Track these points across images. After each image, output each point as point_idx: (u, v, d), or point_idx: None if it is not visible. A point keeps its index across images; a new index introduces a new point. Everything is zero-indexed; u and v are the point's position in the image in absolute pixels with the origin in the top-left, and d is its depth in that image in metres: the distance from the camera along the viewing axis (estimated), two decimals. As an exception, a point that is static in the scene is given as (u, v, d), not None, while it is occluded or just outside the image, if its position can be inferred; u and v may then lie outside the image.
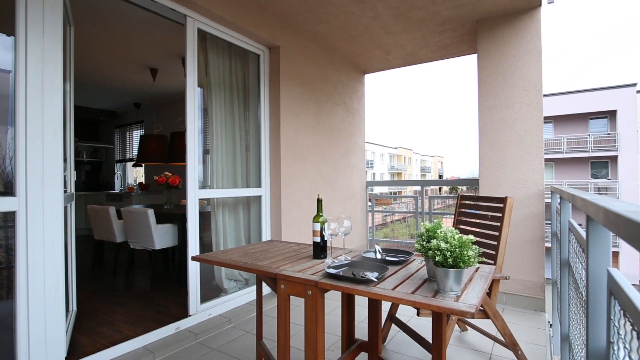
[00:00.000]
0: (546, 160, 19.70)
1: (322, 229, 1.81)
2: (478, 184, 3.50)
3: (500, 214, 2.25)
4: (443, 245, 1.24)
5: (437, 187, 40.30)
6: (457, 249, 1.22)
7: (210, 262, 1.79)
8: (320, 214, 1.84)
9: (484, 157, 3.46)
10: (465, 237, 1.26)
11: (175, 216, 3.90)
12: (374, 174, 42.57)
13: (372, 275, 1.43)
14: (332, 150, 4.32)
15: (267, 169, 3.45)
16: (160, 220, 3.82)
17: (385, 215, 23.18)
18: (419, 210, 4.69)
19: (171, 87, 5.89)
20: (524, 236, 3.25)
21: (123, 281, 3.83)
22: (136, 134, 7.94)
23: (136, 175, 9.25)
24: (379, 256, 1.85)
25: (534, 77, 3.21)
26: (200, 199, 2.77)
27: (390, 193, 37.82)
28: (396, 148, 44.77)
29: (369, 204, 5.29)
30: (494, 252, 2.21)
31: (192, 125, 2.66)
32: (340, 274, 1.50)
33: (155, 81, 5.37)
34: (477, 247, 1.26)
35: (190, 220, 2.68)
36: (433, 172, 49.12)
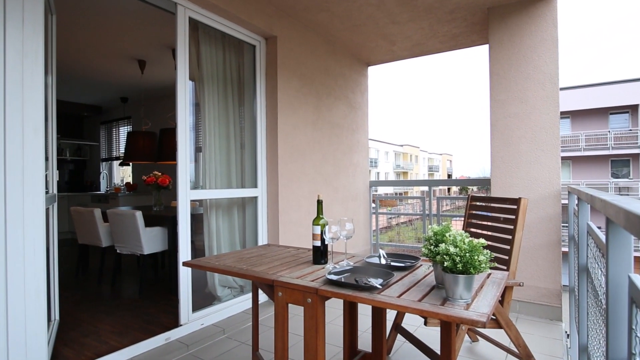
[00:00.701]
0: (563, 158, 19.70)
1: (322, 232, 1.81)
2: (489, 184, 3.50)
3: (513, 216, 2.24)
4: (452, 249, 1.23)
5: (446, 188, 40.32)
6: (467, 254, 1.21)
7: (202, 267, 1.79)
8: (321, 216, 1.84)
9: (496, 155, 3.46)
10: (476, 240, 1.26)
11: (165, 219, 3.90)
12: (378, 173, 42.59)
13: (376, 282, 1.42)
14: (333, 148, 4.32)
15: (263, 168, 3.45)
16: (149, 223, 3.82)
17: (390, 218, 23.20)
18: (427, 212, 4.69)
19: (161, 80, 5.89)
20: (539, 240, 3.25)
21: (109, 288, 3.83)
22: (123, 131, 7.95)
23: (123, 174, 9.26)
24: (383, 261, 1.85)
25: (550, 69, 3.21)
26: (192, 200, 2.77)
27: (396, 194, 37.88)
28: (402, 145, 44.82)
29: (373, 205, 5.29)
30: (506, 257, 2.21)
31: (183, 121, 2.66)
32: (342, 280, 1.49)
33: (143, 74, 5.37)
34: (489, 251, 1.26)
35: (181, 223, 2.68)
36: (441, 172, 49.18)
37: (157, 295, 3.64)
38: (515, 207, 2.27)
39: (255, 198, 3.42)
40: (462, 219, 2.76)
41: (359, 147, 4.90)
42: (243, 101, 3.44)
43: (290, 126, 3.60)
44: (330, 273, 1.57)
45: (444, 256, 1.26)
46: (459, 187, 39.16)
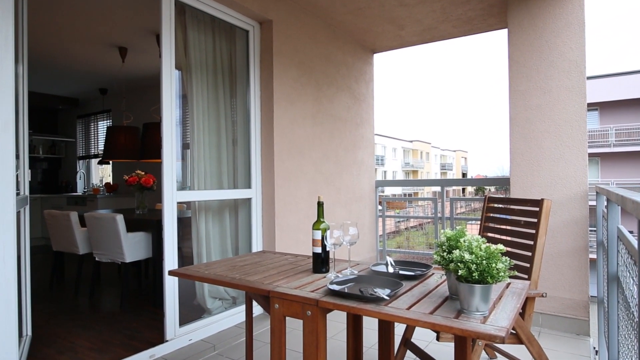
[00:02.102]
0: (590, 155, 19.69)
1: (323, 238, 1.81)
2: (509, 184, 3.49)
3: (535, 220, 2.25)
4: (467, 256, 1.24)
5: (460, 188, 40.32)
6: (484, 261, 1.22)
7: (190, 277, 1.79)
8: (322, 219, 1.84)
9: (516, 151, 3.45)
10: (493, 246, 1.26)
11: (149, 223, 3.90)
12: (384, 172, 42.62)
13: (383, 293, 1.43)
14: (335, 144, 4.32)
15: (258, 167, 3.45)
16: (131, 227, 3.83)
17: (399, 221, 23.12)
18: (439, 215, 4.70)
19: (144, 69, 5.90)
20: (563, 246, 3.25)
21: (87, 300, 3.83)
22: (102, 126, 7.96)
23: (102, 174, 9.27)
24: (391, 269, 1.85)
25: (576, 56, 3.21)
26: (178, 203, 2.77)
27: (405, 195, 37.88)
28: (411, 141, 44.85)
29: (379, 207, 5.29)
30: (528, 265, 2.22)
31: (169, 114, 2.66)
32: (346, 290, 1.50)
33: (124, 63, 5.38)
34: (508, 258, 1.26)
35: (167, 227, 2.68)
36: (455, 170, 49.18)
37: (140, 308, 3.64)
38: (537, 209, 2.27)
39: (249, 200, 3.43)
40: (478, 222, 2.77)
41: (363, 143, 4.91)
42: (235, 92, 3.44)
43: (288, 120, 3.60)
44: (332, 283, 1.58)
45: (458, 264, 1.26)
46: (474, 188, 39.17)
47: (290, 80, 3.63)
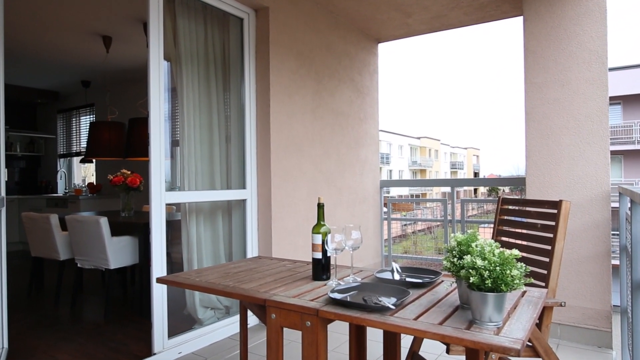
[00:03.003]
0: (613, 152, 19.68)
1: (324, 242, 1.82)
2: (524, 184, 3.50)
3: (553, 223, 2.25)
4: (479, 262, 1.24)
5: (472, 188, 40.33)
6: (498, 268, 1.22)
7: (180, 284, 1.79)
8: (322, 222, 1.85)
9: (532, 149, 3.46)
10: (508, 252, 1.26)
11: (135, 226, 3.90)
12: (390, 171, 42.64)
13: (388, 302, 1.43)
14: (336, 141, 4.33)
15: (253, 165, 3.46)
16: (116, 231, 3.84)
17: (405, 225, 22.98)
18: (449, 217, 4.70)
19: (130, 60, 5.90)
20: (584, 251, 3.26)
21: (68, 310, 3.84)
22: (85, 121, 7.97)
23: (85, 173, 9.28)
24: (397, 277, 1.85)
25: (597, 46, 3.21)
26: (167, 204, 2.78)
27: (412, 196, 37.86)
28: (419, 138, 44.85)
29: (385, 209, 5.30)
30: (545, 272, 2.22)
31: (157, 109, 2.67)
32: (348, 299, 1.50)
33: (109, 53, 5.38)
34: (524, 264, 1.26)
35: (154, 231, 2.69)
36: (467, 169, 49.15)
37: (125, 319, 3.65)
38: (555, 211, 2.28)
39: (244, 201, 3.43)
40: (492, 226, 2.77)
41: (367, 140, 4.91)
42: (229, 85, 3.44)
43: (285, 115, 3.60)
44: (333, 291, 1.58)
45: (470, 270, 1.26)
46: (487, 188, 39.17)
47: (288, 72, 3.63)
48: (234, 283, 1.80)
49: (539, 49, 3.41)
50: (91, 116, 7.99)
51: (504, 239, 2.71)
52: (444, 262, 1.45)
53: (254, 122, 3.45)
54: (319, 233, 1.84)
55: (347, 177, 4.44)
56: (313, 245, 1.86)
